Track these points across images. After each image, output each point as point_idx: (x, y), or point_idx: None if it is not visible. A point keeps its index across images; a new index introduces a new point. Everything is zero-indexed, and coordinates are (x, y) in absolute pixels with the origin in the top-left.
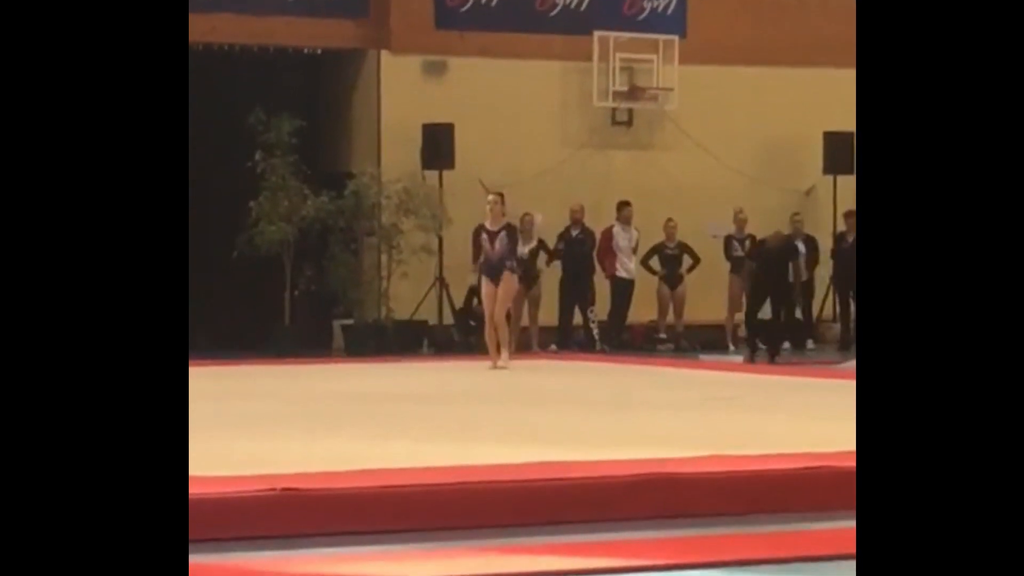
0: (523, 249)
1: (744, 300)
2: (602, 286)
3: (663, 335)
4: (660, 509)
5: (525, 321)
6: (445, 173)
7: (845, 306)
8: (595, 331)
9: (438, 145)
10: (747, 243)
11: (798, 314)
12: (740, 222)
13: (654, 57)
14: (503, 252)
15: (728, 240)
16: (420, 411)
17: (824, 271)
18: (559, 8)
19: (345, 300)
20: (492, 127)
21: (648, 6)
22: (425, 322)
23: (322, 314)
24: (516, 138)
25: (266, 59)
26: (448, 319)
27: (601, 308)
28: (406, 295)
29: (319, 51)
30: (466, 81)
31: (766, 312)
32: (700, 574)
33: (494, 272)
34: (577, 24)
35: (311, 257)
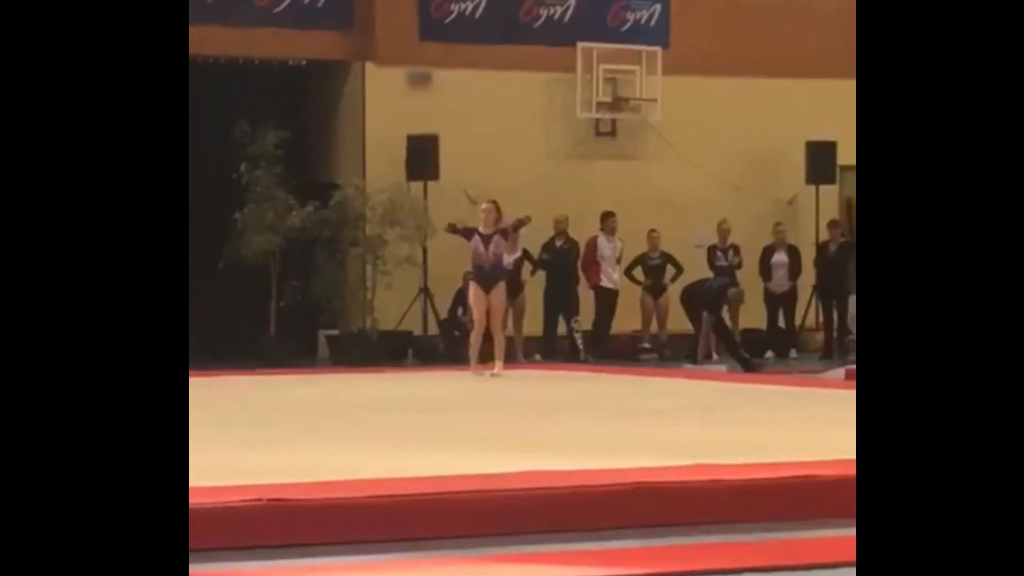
0: (508, 259)
1: (726, 312)
2: (586, 296)
3: (647, 345)
4: (646, 518)
5: (510, 331)
6: (430, 184)
7: (828, 315)
8: (579, 341)
9: (423, 156)
10: (730, 253)
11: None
12: (724, 232)
13: (637, 68)
14: (497, 258)
15: (711, 250)
16: (406, 421)
17: (807, 280)
18: (543, 20)
19: (330, 310)
20: (477, 138)
21: (631, 17)
22: (410, 332)
23: (307, 324)
24: (500, 149)
25: (251, 71)
26: (433, 329)
27: (585, 318)
28: (391, 305)
29: (304, 63)
30: (450, 92)
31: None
32: None
33: (487, 281)
34: (561, 35)
35: (296, 268)
